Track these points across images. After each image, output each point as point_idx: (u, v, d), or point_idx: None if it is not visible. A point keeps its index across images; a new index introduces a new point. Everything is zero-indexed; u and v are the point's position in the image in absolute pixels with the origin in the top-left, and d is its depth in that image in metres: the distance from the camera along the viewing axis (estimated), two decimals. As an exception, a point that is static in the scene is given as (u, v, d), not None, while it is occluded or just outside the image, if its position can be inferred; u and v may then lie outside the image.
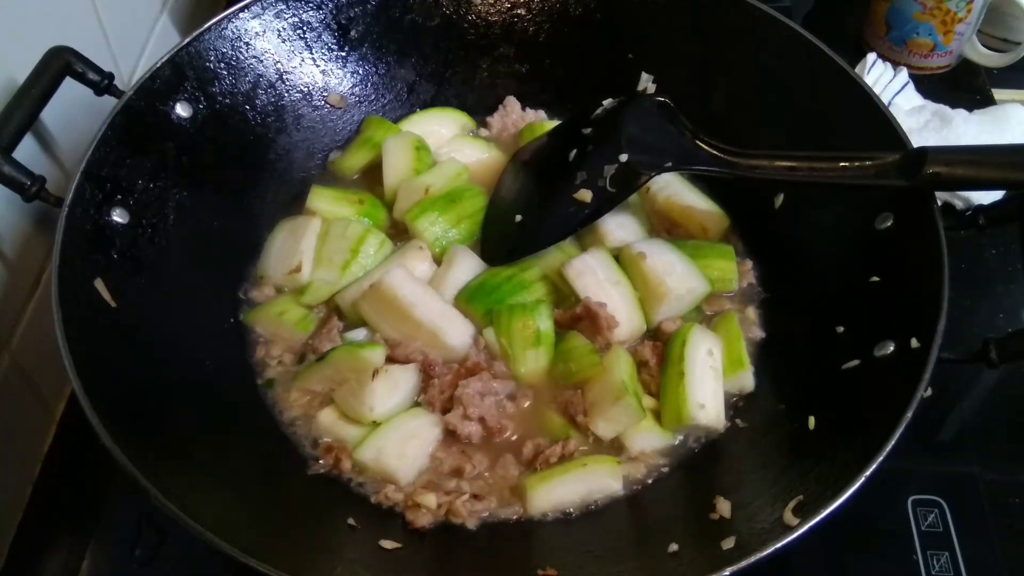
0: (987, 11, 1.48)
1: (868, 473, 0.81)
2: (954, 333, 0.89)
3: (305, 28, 1.25)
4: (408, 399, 1.06)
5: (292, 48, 1.24)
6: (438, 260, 1.18)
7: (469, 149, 1.31)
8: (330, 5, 1.25)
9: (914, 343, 0.90)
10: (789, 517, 0.83)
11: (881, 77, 1.48)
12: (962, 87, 1.55)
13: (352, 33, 1.28)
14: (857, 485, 0.81)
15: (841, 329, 1.03)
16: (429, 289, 1.11)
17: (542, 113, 1.37)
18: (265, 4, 1.19)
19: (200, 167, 1.14)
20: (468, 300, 1.11)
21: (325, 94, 1.30)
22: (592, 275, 1.12)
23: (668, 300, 1.10)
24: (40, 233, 1.09)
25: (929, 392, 0.86)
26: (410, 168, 1.23)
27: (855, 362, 0.97)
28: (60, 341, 0.86)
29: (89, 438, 0.81)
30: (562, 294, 1.15)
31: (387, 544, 0.94)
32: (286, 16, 1.22)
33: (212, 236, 1.15)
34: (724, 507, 0.92)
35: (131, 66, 1.32)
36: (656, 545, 0.90)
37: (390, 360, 1.06)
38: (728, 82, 1.23)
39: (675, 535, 0.90)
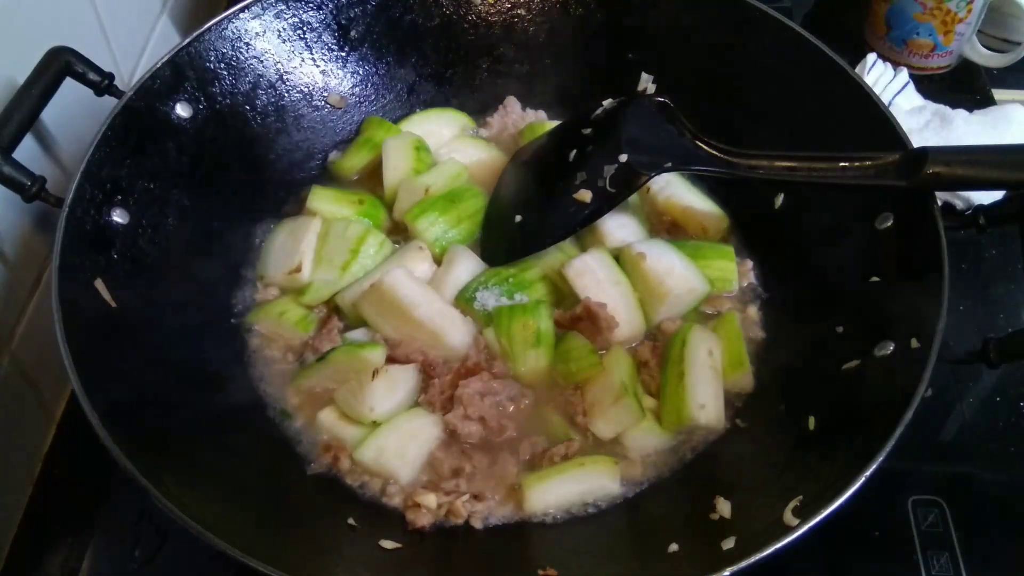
0: (987, 11, 1.48)
1: (868, 473, 0.81)
2: (954, 333, 0.88)
3: (305, 28, 1.25)
4: (408, 399, 1.06)
5: (292, 48, 1.24)
6: (438, 260, 1.18)
7: (469, 149, 1.31)
8: (330, 5, 1.25)
9: (914, 343, 0.90)
10: (789, 517, 0.83)
11: (881, 77, 1.48)
12: (962, 87, 1.55)
13: (352, 33, 1.28)
14: (857, 485, 0.81)
15: (841, 329, 1.02)
16: (429, 289, 1.11)
17: (542, 113, 1.37)
18: (265, 4, 1.19)
19: (200, 167, 1.14)
20: (468, 300, 1.11)
21: (325, 94, 1.29)
22: (592, 275, 1.12)
23: (668, 300, 1.11)
24: (40, 233, 1.09)
25: (929, 392, 0.85)
26: (410, 168, 1.24)
27: (855, 362, 0.97)
28: (60, 341, 0.86)
29: (89, 438, 0.82)
30: (562, 294, 1.15)
31: (387, 544, 0.94)
32: (286, 16, 1.22)
33: (212, 236, 1.15)
34: (724, 507, 0.92)
35: (131, 66, 1.32)
36: (656, 545, 0.90)
37: (390, 360, 1.06)
38: (728, 82, 1.23)
39: (675, 535, 0.90)
